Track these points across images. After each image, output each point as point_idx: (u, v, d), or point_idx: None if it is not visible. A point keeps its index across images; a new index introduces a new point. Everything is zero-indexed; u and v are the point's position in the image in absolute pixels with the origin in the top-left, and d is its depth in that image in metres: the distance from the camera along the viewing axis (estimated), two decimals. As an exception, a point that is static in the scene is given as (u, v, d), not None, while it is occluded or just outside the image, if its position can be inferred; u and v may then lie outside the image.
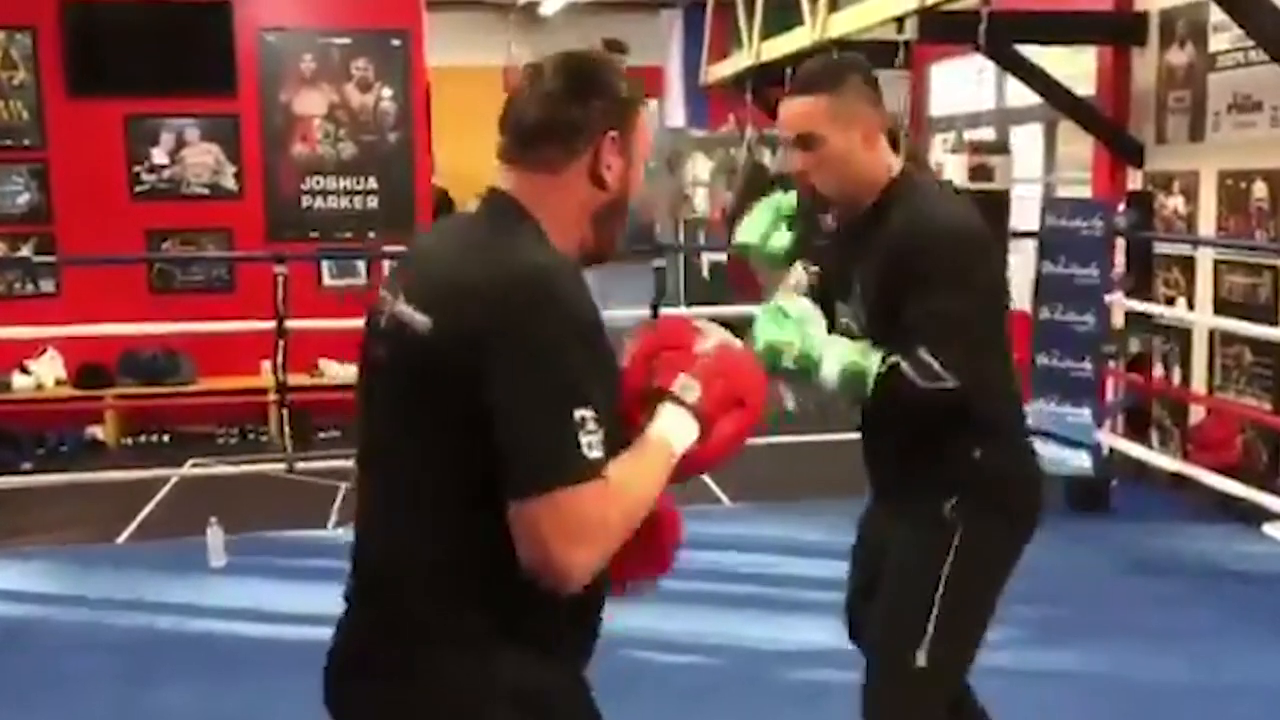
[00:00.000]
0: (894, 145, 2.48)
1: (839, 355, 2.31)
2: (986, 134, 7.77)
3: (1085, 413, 5.14)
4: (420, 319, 1.60)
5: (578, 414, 1.52)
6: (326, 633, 4.55)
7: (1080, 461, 5.20)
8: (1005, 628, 4.39)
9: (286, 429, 5.46)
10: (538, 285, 1.56)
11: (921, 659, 2.37)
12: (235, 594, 4.82)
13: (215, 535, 5.04)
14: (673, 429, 1.67)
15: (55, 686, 4.02)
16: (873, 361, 2.29)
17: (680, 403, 1.68)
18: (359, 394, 1.77)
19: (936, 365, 2.23)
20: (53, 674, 4.12)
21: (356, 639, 1.72)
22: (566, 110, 1.66)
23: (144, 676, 4.08)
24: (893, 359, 2.27)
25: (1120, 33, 6.56)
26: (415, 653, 1.63)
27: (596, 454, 1.53)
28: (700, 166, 11.11)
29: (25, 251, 7.88)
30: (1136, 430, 6.09)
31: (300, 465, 5.80)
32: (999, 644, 4.26)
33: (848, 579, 2.78)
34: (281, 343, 5.17)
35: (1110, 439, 5.81)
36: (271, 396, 5.41)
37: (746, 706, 3.84)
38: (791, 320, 2.35)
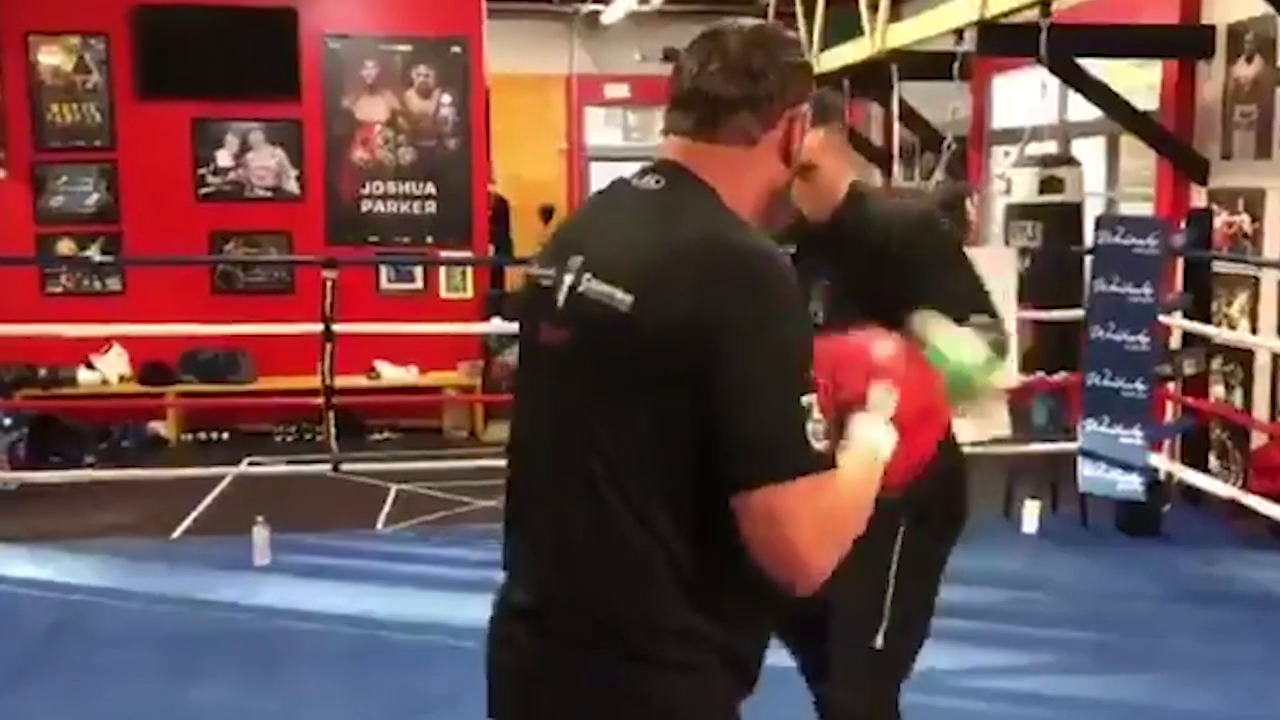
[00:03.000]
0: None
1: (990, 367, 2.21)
2: (1048, 148, 7.67)
3: (1137, 435, 5.04)
4: (620, 296, 1.50)
5: (805, 400, 1.46)
6: (365, 632, 4.58)
7: (1130, 485, 5.10)
8: (1047, 652, 4.38)
9: (333, 430, 5.51)
10: (759, 263, 1.51)
11: (879, 640, 2.48)
12: (278, 592, 4.88)
13: (260, 534, 5.11)
14: (877, 438, 1.62)
15: (101, 678, 4.09)
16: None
17: (879, 412, 1.64)
18: (522, 385, 1.69)
19: (989, 320, 2.35)
20: (99, 666, 4.20)
21: (558, 656, 1.57)
22: (761, 80, 1.60)
23: (186, 671, 4.14)
24: (989, 354, 2.25)
25: (1186, 46, 6.43)
26: (639, 669, 1.53)
27: (823, 444, 1.47)
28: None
29: (93, 249, 8.05)
30: (1194, 454, 5.97)
31: (354, 466, 5.87)
32: (1038, 668, 4.25)
33: None
34: (329, 346, 5.22)
35: (1166, 462, 5.70)
36: (319, 398, 5.45)
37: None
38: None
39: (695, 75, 1.61)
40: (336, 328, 5.34)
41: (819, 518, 1.45)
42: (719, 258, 1.49)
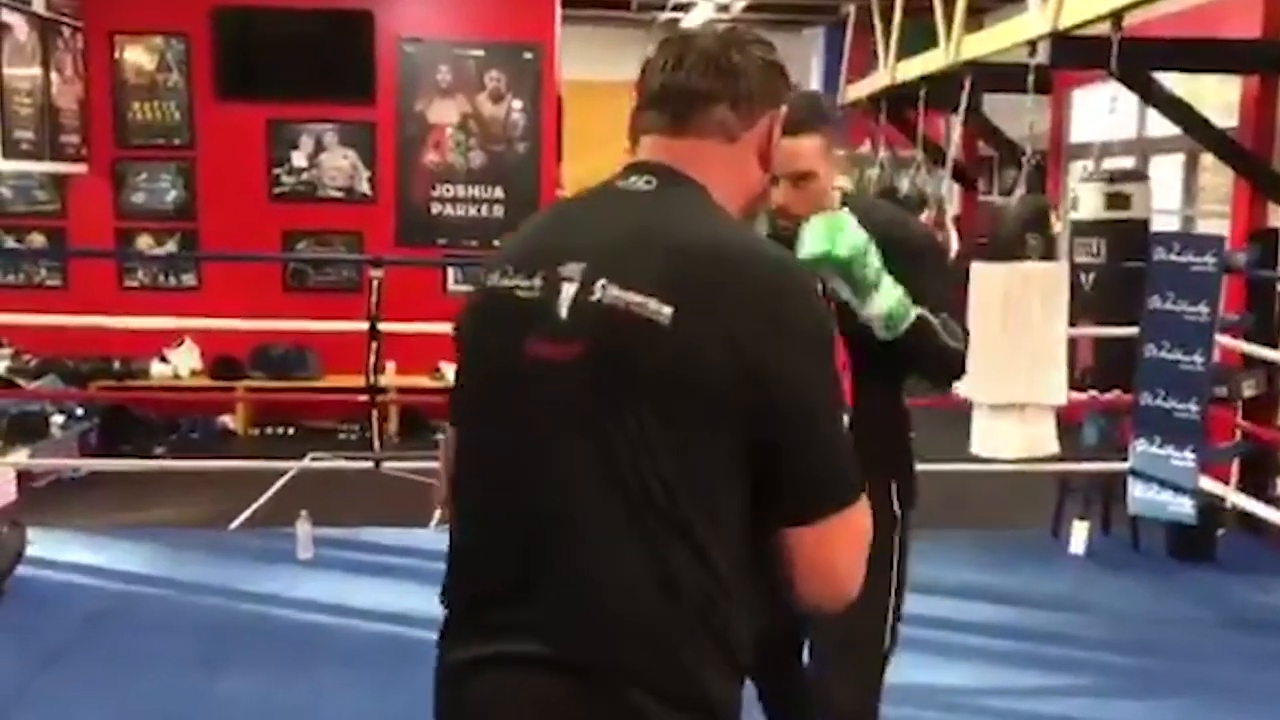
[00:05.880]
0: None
1: (893, 287, 2.31)
2: (1125, 163, 7.51)
3: (1189, 457, 4.90)
4: (656, 307, 1.37)
5: (845, 421, 1.45)
6: (403, 630, 4.59)
7: (1181, 507, 4.96)
8: (1085, 675, 4.29)
9: (375, 428, 5.58)
10: (801, 278, 1.46)
11: (886, 641, 2.51)
12: (319, 587, 4.94)
13: (303, 528, 5.19)
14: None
15: (134, 665, 4.18)
16: (911, 310, 2.33)
17: None
18: (487, 405, 1.51)
19: (959, 330, 2.41)
20: (134, 653, 4.29)
21: (571, 704, 1.42)
22: (740, 77, 1.53)
23: (217, 661, 4.21)
24: (920, 310, 2.33)
25: (1266, 61, 6.26)
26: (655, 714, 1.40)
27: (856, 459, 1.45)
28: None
29: (171, 246, 8.27)
30: (1257, 479, 5.78)
31: (396, 465, 5.94)
32: (1073, 691, 4.16)
33: None
34: (374, 344, 5.29)
35: (1222, 487, 5.53)
36: (364, 397, 5.53)
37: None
38: (861, 236, 2.28)
39: (669, 71, 1.54)
40: (385, 327, 5.38)
41: (859, 539, 1.44)
42: (763, 272, 1.42)
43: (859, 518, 1.43)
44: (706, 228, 1.46)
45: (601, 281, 1.41)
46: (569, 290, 1.42)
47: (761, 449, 1.39)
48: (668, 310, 1.37)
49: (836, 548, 1.42)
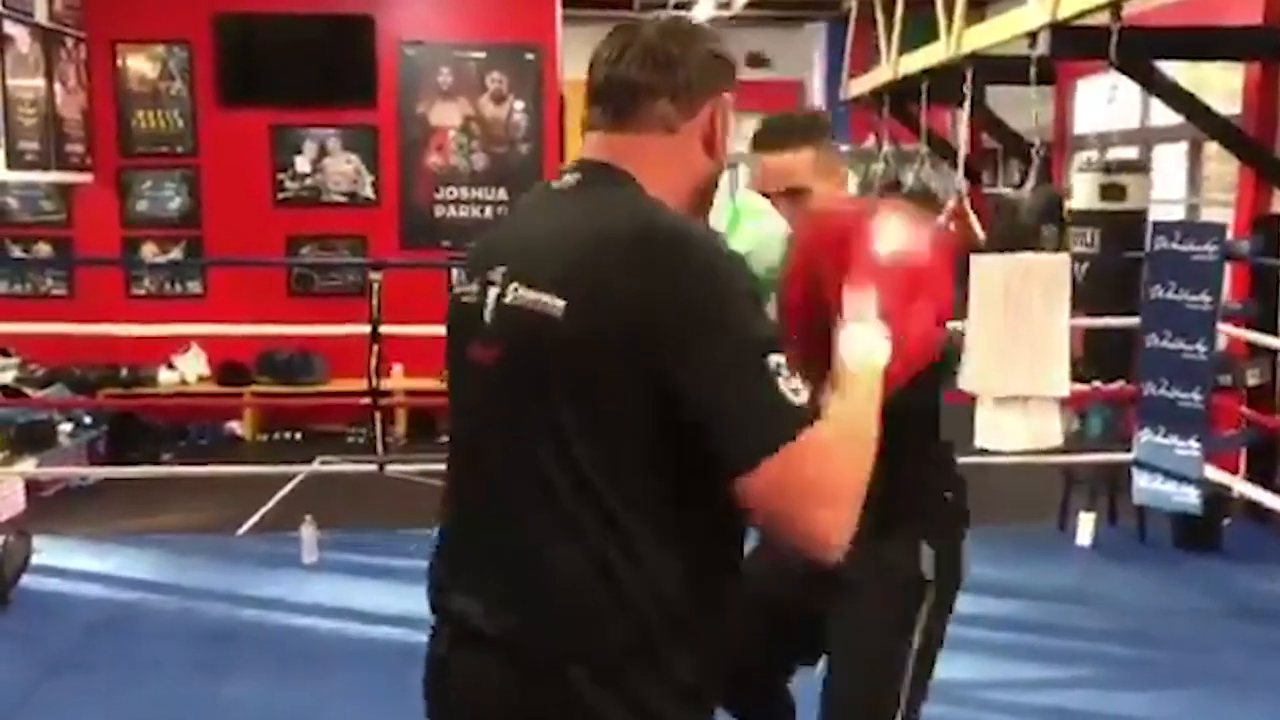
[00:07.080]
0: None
1: None
2: (1128, 153, 7.48)
3: (1193, 446, 4.88)
4: (550, 301, 1.43)
5: (772, 362, 1.37)
6: (402, 633, 4.60)
7: (1185, 498, 4.94)
8: (1086, 666, 4.28)
9: (379, 431, 5.59)
10: (688, 240, 1.43)
11: (902, 702, 2.35)
12: (323, 591, 4.96)
13: (309, 532, 5.20)
14: (868, 348, 1.51)
15: (138, 671, 4.20)
16: None
17: (863, 319, 1.54)
18: (456, 404, 1.62)
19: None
20: (140, 660, 4.30)
21: (525, 687, 1.49)
22: (679, 67, 1.54)
23: (222, 667, 4.23)
24: None
25: (1268, 48, 6.23)
26: (606, 695, 1.46)
27: (803, 399, 1.38)
28: (849, 182, 10.95)
29: (176, 253, 8.29)
30: (1263, 468, 5.76)
31: (399, 468, 5.94)
32: (1073, 682, 4.16)
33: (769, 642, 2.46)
34: (375, 347, 5.30)
35: (1227, 476, 5.51)
36: (367, 400, 5.53)
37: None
38: None
39: (610, 65, 1.56)
40: (389, 330, 5.40)
41: (813, 481, 1.36)
42: (648, 242, 1.43)
43: (806, 459, 1.36)
44: (617, 219, 1.47)
45: (514, 284, 1.48)
46: (492, 294, 1.51)
47: (685, 410, 1.38)
48: (560, 304, 1.42)
49: (783, 496, 1.36)
